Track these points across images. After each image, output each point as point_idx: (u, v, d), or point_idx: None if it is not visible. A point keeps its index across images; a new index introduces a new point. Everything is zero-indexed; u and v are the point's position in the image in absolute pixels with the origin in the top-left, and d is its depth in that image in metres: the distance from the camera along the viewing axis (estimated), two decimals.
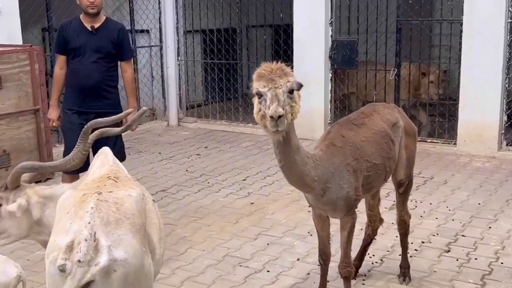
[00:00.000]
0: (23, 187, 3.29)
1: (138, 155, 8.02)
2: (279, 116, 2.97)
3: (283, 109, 2.99)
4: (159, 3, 9.66)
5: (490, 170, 6.99)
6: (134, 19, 9.50)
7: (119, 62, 5.26)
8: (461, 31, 7.59)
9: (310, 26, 8.40)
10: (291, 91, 3.08)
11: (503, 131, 7.53)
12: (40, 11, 8.23)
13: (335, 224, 3.99)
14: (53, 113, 5.25)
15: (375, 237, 4.53)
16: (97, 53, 5.02)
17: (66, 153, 4.99)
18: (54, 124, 5.32)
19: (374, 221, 4.38)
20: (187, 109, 10.07)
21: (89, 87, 5.02)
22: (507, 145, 7.59)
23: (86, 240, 2.35)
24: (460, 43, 7.62)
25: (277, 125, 3.00)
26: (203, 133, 9.31)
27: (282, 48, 9.37)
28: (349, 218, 3.64)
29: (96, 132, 3.35)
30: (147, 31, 9.76)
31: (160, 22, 9.73)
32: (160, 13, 9.69)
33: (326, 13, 8.28)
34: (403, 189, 4.20)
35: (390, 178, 4.10)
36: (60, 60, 5.14)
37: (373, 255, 4.69)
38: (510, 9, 7.22)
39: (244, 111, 9.47)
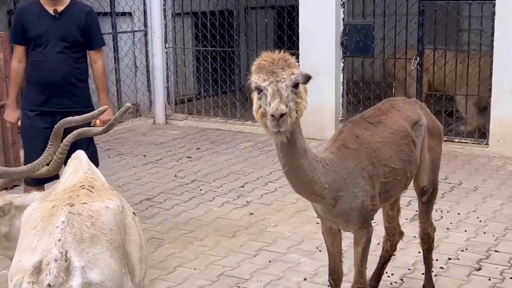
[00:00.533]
0: None
1: (119, 158, 8.04)
2: (282, 115, 2.95)
3: (286, 106, 2.98)
4: None
5: None
6: (115, 0, 9.51)
7: (87, 51, 5.16)
8: (493, 14, 7.61)
9: (319, 8, 8.42)
10: (295, 85, 3.06)
11: None
12: None
13: (348, 239, 3.98)
14: (11, 114, 5.15)
15: (394, 253, 4.52)
16: (62, 42, 4.89)
17: (27, 162, 4.86)
18: (14, 127, 5.25)
19: (393, 235, 4.37)
20: (176, 104, 10.12)
21: (55, 83, 4.91)
22: None
23: (56, 260, 2.35)
24: (493, 27, 7.65)
25: (279, 125, 2.98)
26: (195, 132, 9.33)
27: (286, 34, 9.41)
28: (364, 231, 3.62)
29: (74, 132, 3.33)
30: (130, 13, 9.80)
31: (144, 4, 9.77)
32: None
33: None
34: (427, 198, 4.19)
35: (412, 185, 4.10)
36: (18, 51, 5.03)
37: (392, 274, 4.70)
38: None
39: (242, 106, 9.52)
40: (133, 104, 9.83)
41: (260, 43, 9.92)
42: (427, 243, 4.32)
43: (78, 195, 2.76)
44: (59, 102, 4.94)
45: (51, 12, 4.86)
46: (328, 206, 3.52)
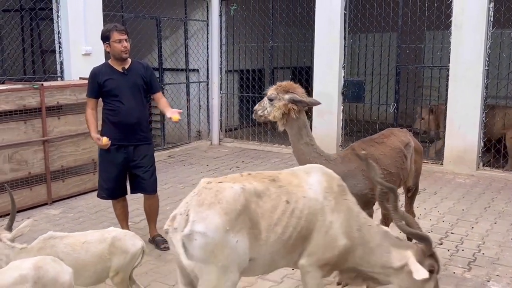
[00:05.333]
0: None
1: (190, 166, 8.25)
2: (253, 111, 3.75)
3: (260, 109, 3.77)
4: (207, 48, 9.98)
5: (470, 185, 7.13)
6: (188, 61, 9.82)
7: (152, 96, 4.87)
8: (447, 75, 7.75)
9: (327, 70, 8.61)
10: (270, 100, 3.70)
11: (480, 155, 7.69)
12: None
13: None
14: (99, 140, 4.54)
15: None
16: (132, 89, 4.61)
17: (102, 183, 4.68)
18: (104, 142, 4.52)
19: (387, 219, 4.40)
20: (226, 131, 10.28)
21: (131, 124, 4.60)
22: (483, 165, 7.75)
23: (181, 214, 2.68)
24: (447, 85, 7.77)
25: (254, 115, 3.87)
26: (239, 150, 9.49)
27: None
28: (367, 212, 3.66)
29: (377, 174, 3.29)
30: (197, 70, 10.04)
31: (207, 63, 10.00)
32: (207, 56, 9.99)
33: (340, 58, 8.51)
34: (411, 194, 4.38)
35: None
36: (93, 102, 4.65)
37: None
38: (487, 59, 7.46)
39: (272, 134, 9.74)
40: (197, 130, 10.15)
41: None
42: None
43: (226, 178, 2.83)
44: (133, 137, 4.63)
45: (120, 70, 4.61)
46: None
